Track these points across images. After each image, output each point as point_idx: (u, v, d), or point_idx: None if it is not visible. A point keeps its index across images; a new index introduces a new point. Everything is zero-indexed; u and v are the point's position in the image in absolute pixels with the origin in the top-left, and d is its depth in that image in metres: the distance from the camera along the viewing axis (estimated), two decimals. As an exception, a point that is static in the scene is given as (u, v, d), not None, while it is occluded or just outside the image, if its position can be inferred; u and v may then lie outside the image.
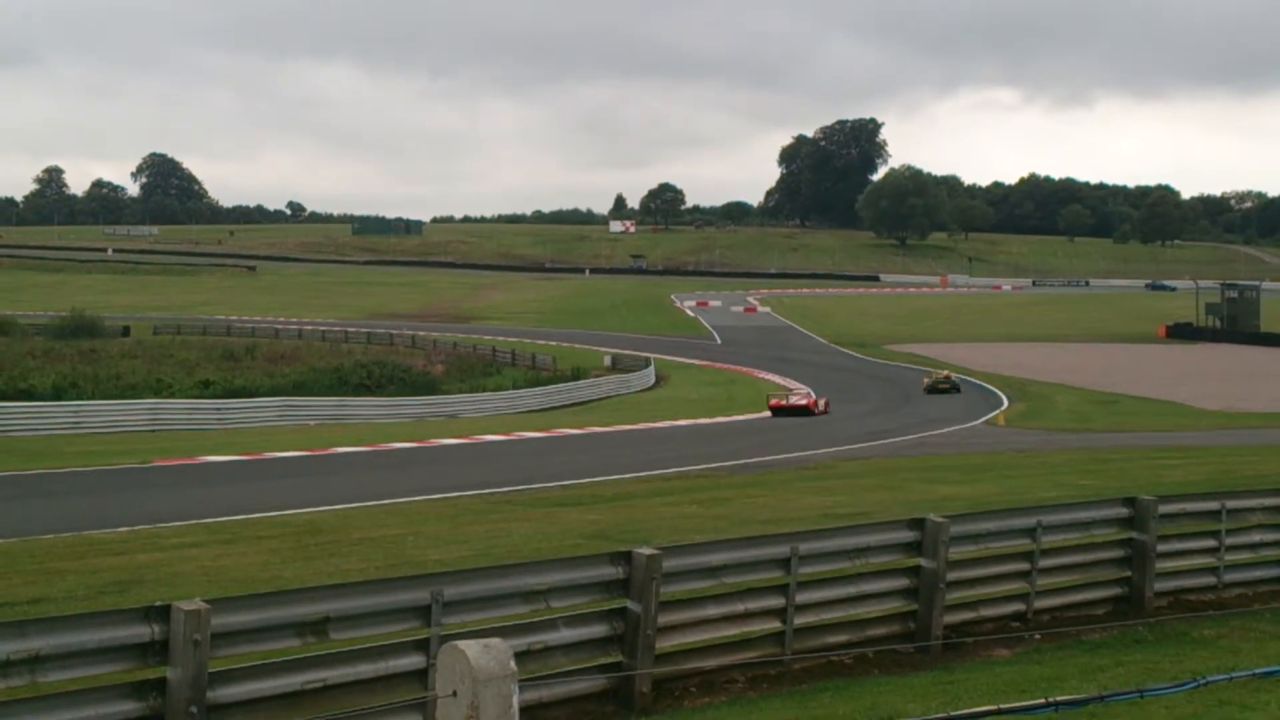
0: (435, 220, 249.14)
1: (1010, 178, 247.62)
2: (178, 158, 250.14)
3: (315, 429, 42.32)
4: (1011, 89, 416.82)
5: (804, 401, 48.21)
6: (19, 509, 20.62)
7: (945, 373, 78.50)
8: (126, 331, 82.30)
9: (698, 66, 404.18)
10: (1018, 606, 11.50)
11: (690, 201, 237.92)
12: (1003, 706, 7.04)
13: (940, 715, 6.78)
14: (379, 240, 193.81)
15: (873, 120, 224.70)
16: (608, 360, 71.31)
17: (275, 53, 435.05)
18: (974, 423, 42.33)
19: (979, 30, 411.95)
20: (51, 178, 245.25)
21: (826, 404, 48.52)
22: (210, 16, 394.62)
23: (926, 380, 68.39)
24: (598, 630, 8.94)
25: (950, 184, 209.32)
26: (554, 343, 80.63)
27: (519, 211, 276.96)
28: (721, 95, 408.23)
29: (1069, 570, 11.95)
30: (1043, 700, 7.24)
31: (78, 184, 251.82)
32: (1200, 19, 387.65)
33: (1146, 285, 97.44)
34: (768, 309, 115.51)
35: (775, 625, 9.83)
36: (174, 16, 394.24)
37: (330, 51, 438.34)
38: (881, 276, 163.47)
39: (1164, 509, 12.27)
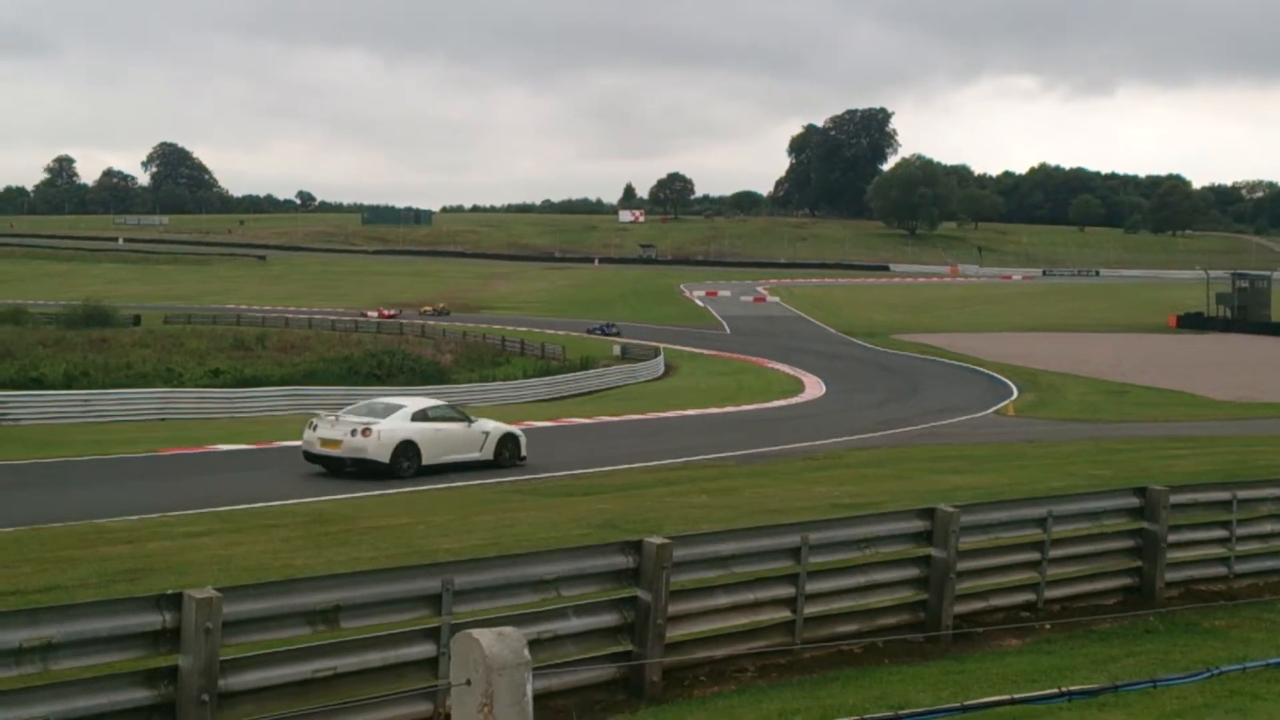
0: (445, 210, 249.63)
1: (1021, 167, 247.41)
2: (188, 147, 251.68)
3: (325, 418, 42.29)
4: (1033, 76, 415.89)
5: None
6: (30, 497, 20.69)
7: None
8: (137, 321, 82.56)
9: (715, 54, 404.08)
10: (1028, 596, 11.49)
11: (700, 191, 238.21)
12: (1015, 696, 7.01)
13: (952, 705, 6.76)
14: (389, 230, 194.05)
15: (883, 110, 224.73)
16: (617, 350, 71.33)
17: (288, 40, 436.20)
18: (983, 413, 42.27)
19: (1004, 16, 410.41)
20: (62, 167, 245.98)
21: None
22: (224, 2, 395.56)
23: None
24: (608, 619, 8.94)
25: (960, 174, 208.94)
26: (563, 332, 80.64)
27: (529, 201, 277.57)
28: (738, 83, 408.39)
29: (1079, 560, 11.93)
30: (1055, 690, 7.22)
31: (88, 173, 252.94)
32: (1228, 5, 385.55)
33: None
34: (777, 299, 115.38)
35: (785, 614, 9.83)
36: (186, 2, 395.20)
37: (343, 39, 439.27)
38: (891, 266, 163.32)
39: (1175, 499, 12.24)
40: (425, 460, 24.37)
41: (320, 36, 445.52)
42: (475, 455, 25.40)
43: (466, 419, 26.07)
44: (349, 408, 26.57)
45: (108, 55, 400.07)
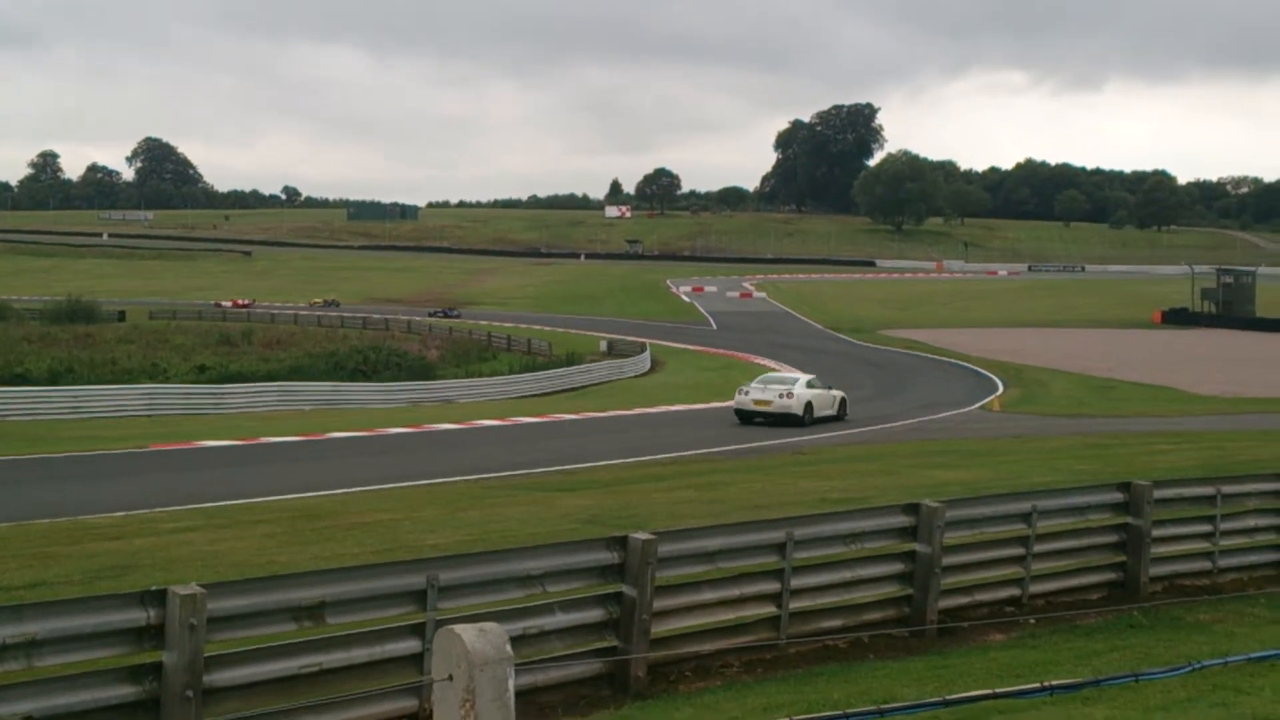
0: (431, 205, 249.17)
1: (1008, 163, 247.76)
2: (173, 142, 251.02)
3: (311, 414, 42.31)
4: (1022, 71, 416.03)
5: None
6: (15, 493, 20.62)
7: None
8: (122, 316, 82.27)
9: (703, 49, 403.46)
10: (1013, 591, 11.54)
11: (686, 186, 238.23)
12: (997, 690, 7.05)
13: (935, 699, 6.79)
14: (374, 225, 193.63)
15: (869, 105, 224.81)
16: (603, 345, 71.31)
17: (276, 35, 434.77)
18: (969, 408, 42.35)
19: (994, 11, 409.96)
20: (46, 162, 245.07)
21: None
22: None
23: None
24: (593, 615, 8.95)
25: (947, 169, 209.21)
26: (549, 328, 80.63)
27: (515, 196, 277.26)
28: (725, 79, 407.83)
29: (1064, 555, 11.98)
30: (1038, 684, 7.26)
31: (73, 168, 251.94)
32: (1217, 1, 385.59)
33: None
34: (763, 294, 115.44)
35: (770, 610, 9.85)
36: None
37: (331, 34, 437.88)
38: (877, 262, 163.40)
39: (1159, 494, 12.29)
40: (814, 415, 35.29)
41: (307, 31, 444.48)
42: (831, 412, 36.21)
43: (828, 387, 37.54)
44: (759, 379, 38.28)
45: (93, 50, 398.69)
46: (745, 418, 35.43)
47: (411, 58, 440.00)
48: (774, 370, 39.65)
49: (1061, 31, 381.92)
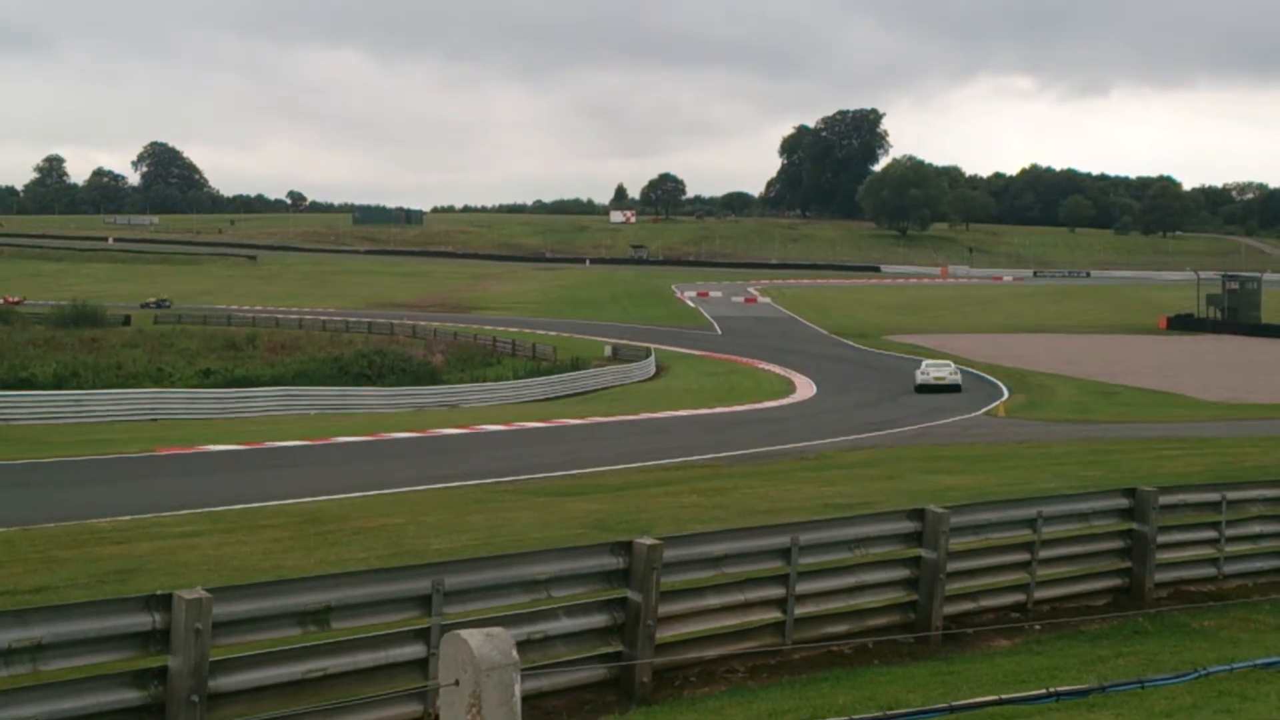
0: (436, 210, 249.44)
1: (1012, 169, 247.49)
2: (179, 146, 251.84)
3: (316, 418, 42.31)
4: (1030, 76, 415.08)
5: None
6: (20, 498, 20.66)
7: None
8: (127, 321, 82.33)
9: (709, 54, 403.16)
10: (1018, 597, 11.51)
11: (691, 191, 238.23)
12: (1003, 697, 7.04)
13: (940, 705, 6.79)
14: (380, 230, 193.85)
15: (874, 110, 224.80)
16: (608, 351, 71.31)
17: (281, 39, 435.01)
18: (974, 413, 42.33)
19: (1003, 16, 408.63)
20: (52, 166, 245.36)
21: None
22: (216, 0, 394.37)
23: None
24: (598, 620, 8.95)
25: (951, 175, 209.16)
26: (554, 333, 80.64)
27: (520, 201, 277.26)
28: (731, 83, 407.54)
29: (1069, 561, 11.95)
30: (1043, 690, 7.24)
31: (78, 173, 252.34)
32: (1224, 6, 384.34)
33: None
34: (768, 299, 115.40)
35: (775, 615, 9.84)
36: (179, 0, 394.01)
37: (335, 38, 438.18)
38: (882, 267, 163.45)
39: (1164, 500, 12.27)
40: (962, 385, 51.16)
41: (312, 35, 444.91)
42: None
43: (960, 369, 53.96)
44: (928, 362, 54.72)
45: (99, 53, 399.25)
46: (925, 389, 49.86)
47: (417, 61, 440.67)
48: (935, 360, 57.86)
49: (1069, 36, 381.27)
